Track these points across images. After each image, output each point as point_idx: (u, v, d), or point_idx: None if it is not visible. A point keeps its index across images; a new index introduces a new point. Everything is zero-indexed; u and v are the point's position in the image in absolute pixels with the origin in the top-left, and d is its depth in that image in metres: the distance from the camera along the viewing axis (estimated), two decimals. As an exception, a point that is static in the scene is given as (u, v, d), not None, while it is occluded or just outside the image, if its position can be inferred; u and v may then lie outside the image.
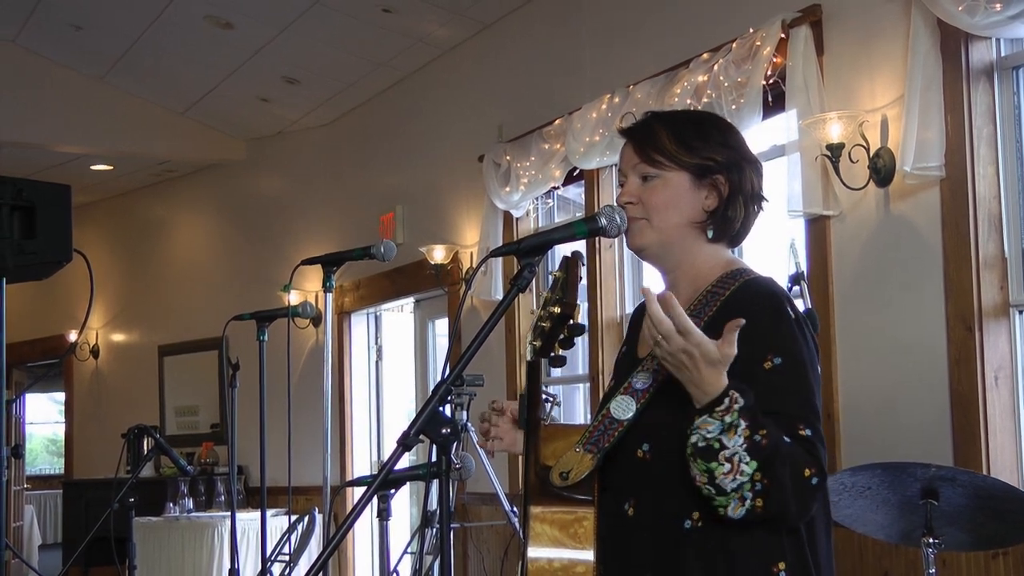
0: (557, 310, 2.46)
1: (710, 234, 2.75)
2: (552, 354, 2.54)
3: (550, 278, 2.57)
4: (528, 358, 2.65)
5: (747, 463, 2.43)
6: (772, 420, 2.48)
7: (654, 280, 2.93)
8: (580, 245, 2.76)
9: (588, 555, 2.55)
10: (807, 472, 2.47)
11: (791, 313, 2.61)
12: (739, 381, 2.50)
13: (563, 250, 2.62)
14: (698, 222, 2.75)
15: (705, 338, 2.45)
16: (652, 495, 2.58)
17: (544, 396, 2.77)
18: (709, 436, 2.44)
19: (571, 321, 2.46)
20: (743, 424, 2.44)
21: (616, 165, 6.86)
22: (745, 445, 2.43)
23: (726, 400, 2.45)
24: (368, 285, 9.89)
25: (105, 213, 13.34)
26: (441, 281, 8.60)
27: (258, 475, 6.29)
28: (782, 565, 2.56)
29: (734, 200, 2.74)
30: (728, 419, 2.44)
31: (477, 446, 6.25)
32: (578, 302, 2.43)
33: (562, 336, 2.49)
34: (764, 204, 2.82)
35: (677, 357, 2.46)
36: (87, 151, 11.46)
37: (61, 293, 12.77)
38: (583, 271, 2.49)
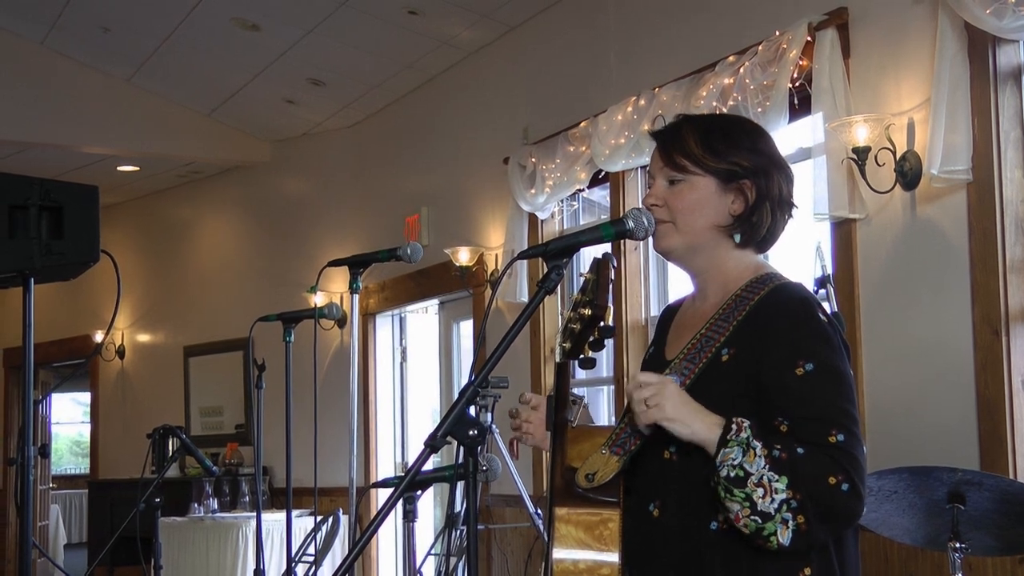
0: (587, 312, 2.46)
1: (737, 239, 2.76)
2: (582, 356, 2.55)
3: (580, 280, 2.57)
4: (557, 359, 2.65)
5: (778, 480, 2.45)
6: (790, 433, 2.50)
7: (683, 283, 2.93)
8: (606, 247, 2.77)
9: (613, 557, 2.55)
10: (832, 480, 2.46)
11: (822, 318, 2.61)
12: (763, 388, 2.53)
13: (591, 252, 2.63)
14: (724, 226, 2.75)
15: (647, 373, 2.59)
16: (678, 496, 2.58)
17: (572, 398, 2.76)
18: (735, 463, 2.47)
19: (601, 323, 2.47)
20: (758, 445, 2.46)
21: (642, 167, 6.91)
22: (767, 464, 2.45)
23: (733, 426, 2.50)
24: (393, 287, 9.91)
25: (131, 214, 13.38)
26: (466, 283, 8.60)
27: (283, 476, 6.31)
28: (808, 571, 2.55)
29: (760, 205, 2.74)
30: (743, 436, 2.47)
31: (501, 444, 6.25)
32: (609, 304, 2.44)
33: (592, 338, 2.50)
34: (793, 210, 2.82)
35: (672, 398, 2.54)
36: (114, 152, 11.50)
37: (88, 294, 12.82)
38: (613, 273, 2.50)
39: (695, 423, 2.53)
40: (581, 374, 7.61)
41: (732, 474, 2.47)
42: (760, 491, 2.45)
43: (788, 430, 2.53)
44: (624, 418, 2.67)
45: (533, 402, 3.07)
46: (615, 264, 2.55)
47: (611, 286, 2.49)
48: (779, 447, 2.46)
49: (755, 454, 2.46)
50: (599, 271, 2.49)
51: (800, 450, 2.47)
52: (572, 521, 2.57)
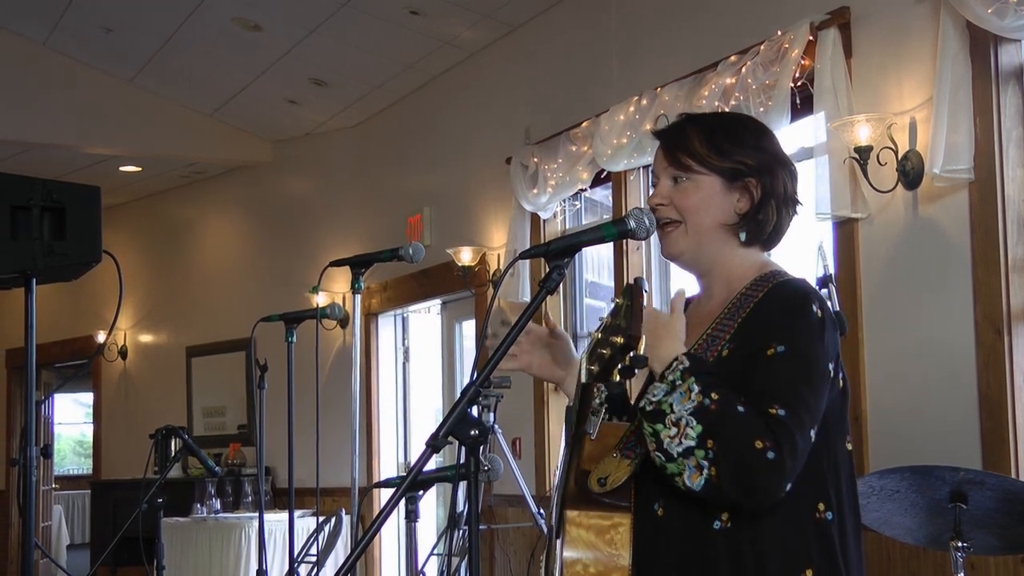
0: (620, 340, 2.41)
1: (743, 237, 2.75)
2: (609, 380, 2.53)
3: (611, 304, 2.54)
4: (582, 380, 2.62)
5: (692, 427, 2.45)
6: (738, 394, 2.49)
7: (687, 284, 2.93)
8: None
9: (624, 560, 2.55)
10: (759, 444, 2.43)
11: (816, 312, 2.60)
12: (743, 368, 2.56)
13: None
14: (730, 225, 2.75)
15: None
16: (681, 495, 2.57)
17: (592, 409, 2.75)
18: (654, 399, 2.50)
19: (632, 352, 2.44)
20: (696, 389, 2.47)
21: (644, 167, 6.90)
22: (692, 409, 2.46)
23: (673, 363, 2.51)
24: (395, 287, 9.91)
25: (134, 214, 13.39)
26: (468, 283, 8.60)
27: (285, 476, 6.31)
28: (810, 573, 2.55)
29: (766, 203, 2.74)
30: (672, 378, 2.49)
31: (504, 444, 6.25)
32: (643, 334, 2.41)
33: (621, 365, 2.47)
34: (798, 207, 2.82)
35: None
36: (116, 152, 11.51)
37: (90, 294, 12.82)
38: (646, 299, 2.47)
39: (652, 361, 2.55)
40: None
41: (649, 408, 2.51)
42: (672, 431, 2.46)
43: None
44: (636, 419, 2.67)
45: (529, 328, 2.93)
46: (647, 289, 2.52)
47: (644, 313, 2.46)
48: (715, 397, 2.46)
49: (689, 396, 2.47)
50: (632, 297, 2.46)
51: (740, 408, 2.46)
52: (583, 524, 2.57)
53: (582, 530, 2.57)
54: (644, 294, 2.47)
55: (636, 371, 2.44)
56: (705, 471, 2.44)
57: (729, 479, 2.44)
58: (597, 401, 2.67)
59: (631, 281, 2.52)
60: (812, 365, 2.57)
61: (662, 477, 2.61)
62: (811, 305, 2.61)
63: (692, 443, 2.44)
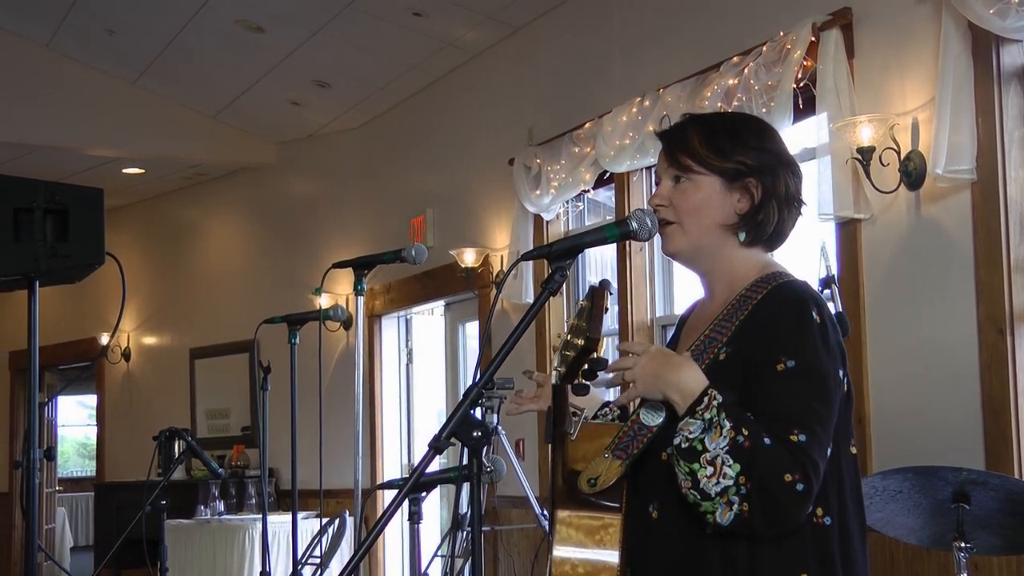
0: (580, 342, 2.46)
1: (743, 237, 2.75)
2: (576, 381, 2.55)
3: (578, 306, 2.56)
4: (553, 382, 2.66)
5: (730, 465, 2.45)
6: (761, 423, 2.49)
7: (691, 283, 2.94)
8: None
9: (613, 561, 2.55)
10: (788, 477, 2.44)
11: (815, 318, 2.59)
12: (747, 381, 2.56)
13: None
14: (730, 225, 2.75)
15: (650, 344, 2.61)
16: (676, 498, 2.57)
17: (572, 410, 2.77)
18: (691, 437, 2.48)
19: (593, 355, 2.46)
20: (728, 425, 2.46)
21: (647, 168, 6.90)
22: (727, 447, 2.45)
23: (705, 399, 2.50)
24: (398, 288, 9.91)
25: (137, 216, 13.39)
26: (471, 284, 8.60)
27: (289, 478, 6.31)
28: (804, 576, 2.56)
29: (767, 203, 2.73)
30: (708, 416, 2.48)
31: (507, 445, 6.26)
32: (601, 336, 2.43)
33: (585, 367, 2.49)
34: (802, 207, 2.81)
35: (644, 371, 2.55)
36: (119, 154, 11.50)
37: (93, 296, 12.83)
38: (609, 301, 2.49)
39: (670, 391, 2.55)
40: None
41: (684, 446, 2.49)
42: (709, 470, 2.45)
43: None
44: (629, 420, 2.67)
45: (539, 378, 3.20)
46: (612, 291, 2.54)
47: (605, 315, 2.48)
48: (746, 433, 2.45)
49: (721, 433, 2.46)
50: (594, 299, 2.48)
51: (767, 441, 2.46)
52: (573, 524, 2.58)
53: (572, 530, 2.58)
54: (608, 295, 2.49)
55: (598, 374, 2.45)
56: (736, 507, 2.45)
57: (760, 514, 2.45)
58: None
59: (595, 283, 2.53)
60: (822, 376, 2.56)
61: (657, 480, 2.62)
62: (811, 310, 2.60)
63: (730, 483, 2.44)
